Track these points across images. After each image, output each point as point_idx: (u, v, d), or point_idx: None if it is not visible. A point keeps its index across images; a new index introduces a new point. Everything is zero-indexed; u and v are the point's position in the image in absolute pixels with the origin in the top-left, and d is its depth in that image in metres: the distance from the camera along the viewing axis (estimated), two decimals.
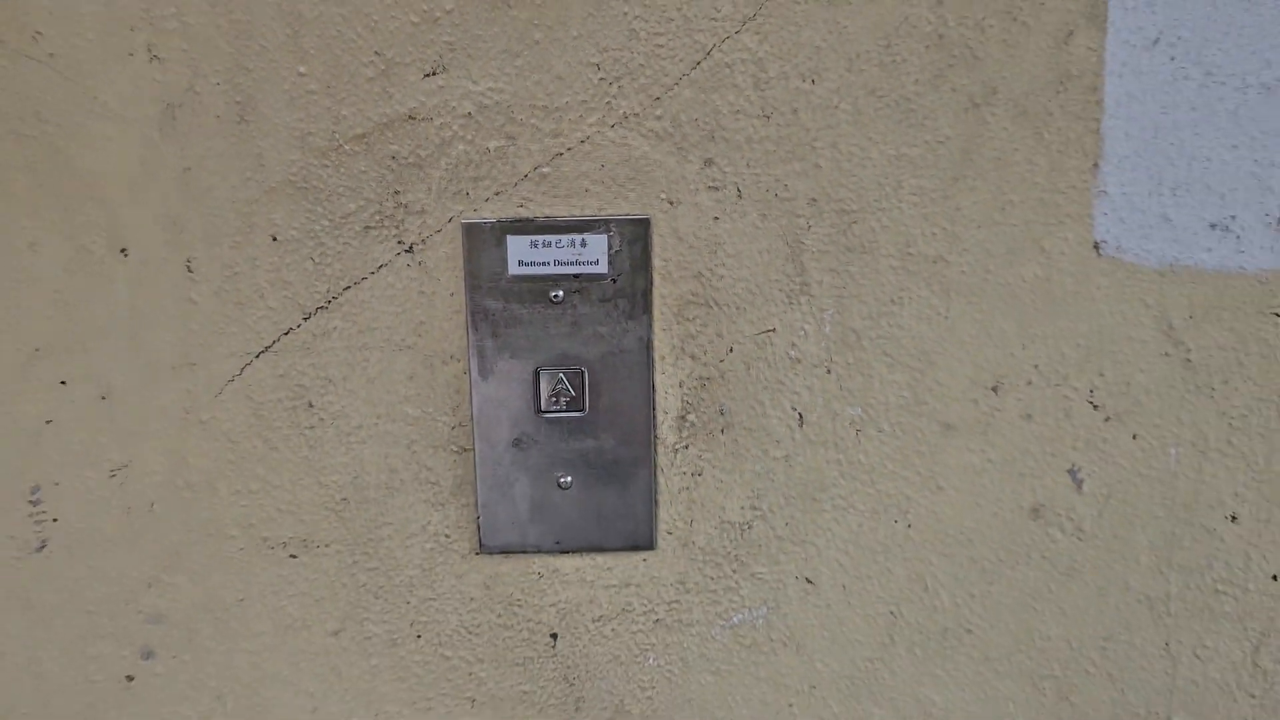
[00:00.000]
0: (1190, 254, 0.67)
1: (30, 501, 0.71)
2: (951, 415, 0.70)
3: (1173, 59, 0.65)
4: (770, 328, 0.69)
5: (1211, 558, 0.71)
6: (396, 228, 0.67)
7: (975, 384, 0.69)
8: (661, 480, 0.71)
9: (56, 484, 0.70)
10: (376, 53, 0.65)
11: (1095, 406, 0.69)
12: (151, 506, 0.71)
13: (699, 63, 0.65)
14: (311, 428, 0.70)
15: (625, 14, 0.64)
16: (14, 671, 0.73)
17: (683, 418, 0.70)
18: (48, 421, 0.70)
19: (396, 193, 0.67)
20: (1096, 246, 0.67)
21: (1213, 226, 0.67)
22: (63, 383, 0.69)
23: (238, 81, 0.65)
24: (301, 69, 0.65)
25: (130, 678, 0.73)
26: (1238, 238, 0.67)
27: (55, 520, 0.71)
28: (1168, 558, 0.71)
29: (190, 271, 0.68)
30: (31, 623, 0.72)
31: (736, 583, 0.72)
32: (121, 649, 0.73)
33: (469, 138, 0.66)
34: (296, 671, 0.73)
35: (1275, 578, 0.71)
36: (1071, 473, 0.70)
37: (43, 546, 0.71)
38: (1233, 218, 0.67)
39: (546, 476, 0.70)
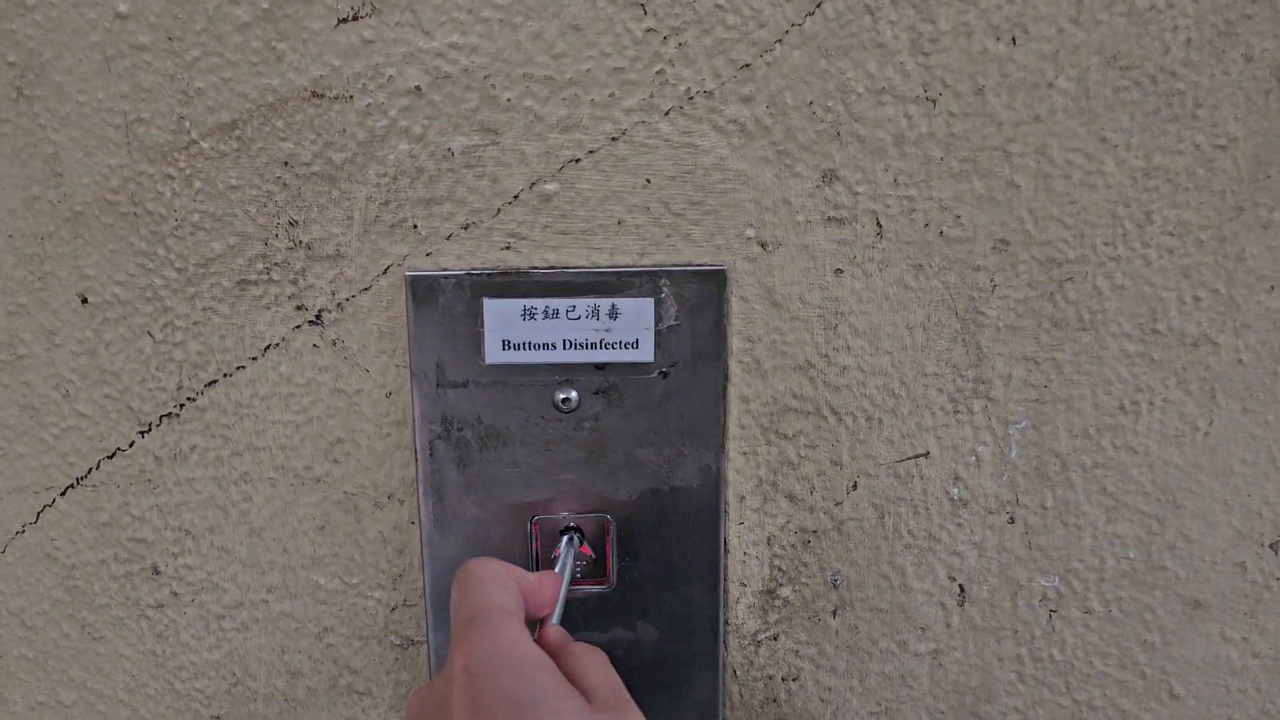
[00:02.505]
0: None
1: None
2: (1203, 587, 0.44)
3: None
4: (921, 452, 0.42)
5: None
6: (294, 283, 0.40)
7: (1244, 539, 0.43)
8: (735, 689, 0.44)
9: None
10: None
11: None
12: None
13: (818, 5, 0.38)
14: (159, 606, 0.43)
15: None
16: None
17: (771, 593, 0.44)
18: None
19: (293, 224, 0.39)
20: None
21: None
22: None
23: (8, 29, 0.38)
24: (121, 6, 0.37)
25: None
26: None
27: None
28: None
29: None
30: None
31: None
32: None
33: (417, 130, 0.39)
34: None
35: None
36: None
37: None
38: None
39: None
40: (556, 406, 0.41)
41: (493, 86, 0.39)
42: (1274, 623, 0.45)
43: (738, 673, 0.45)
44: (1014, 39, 0.39)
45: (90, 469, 0.42)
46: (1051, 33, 0.39)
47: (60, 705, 0.45)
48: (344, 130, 0.39)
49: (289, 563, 0.43)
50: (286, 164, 0.39)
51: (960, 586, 0.44)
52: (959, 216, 0.40)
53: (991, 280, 0.41)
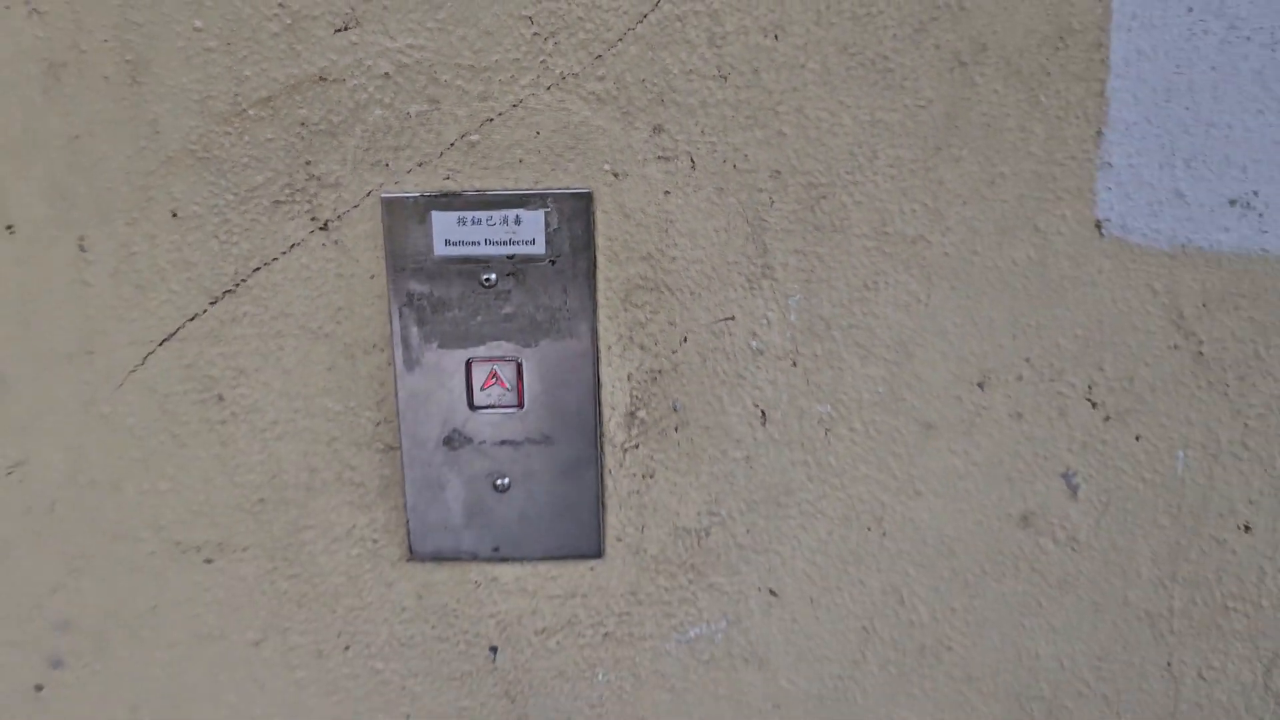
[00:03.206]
0: (1205, 234, 0.61)
1: None
2: (932, 413, 0.64)
3: (1190, 10, 0.58)
4: (729, 315, 0.63)
5: (1221, 571, 0.66)
6: (309, 202, 0.62)
7: (959, 379, 0.64)
8: (609, 483, 0.66)
9: None
10: (280, 4, 0.59)
11: (1094, 404, 0.64)
12: (53, 507, 0.67)
13: (646, 15, 0.59)
14: (223, 422, 0.65)
15: None
16: None
17: (632, 414, 0.65)
18: None
19: (308, 163, 0.61)
20: (1099, 225, 0.61)
21: (1232, 203, 0.61)
22: None
23: (127, 38, 0.60)
24: (197, 23, 0.59)
25: (39, 687, 0.70)
26: (1260, 215, 0.61)
27: None
28: (1172, 571, 0.66)
29: (83, 250, 0.63)
30: None
31: (693, 594, 0.68)
32: (29, 657, 0.70)
33: (387, 101, 0.60)
34: (216, 683, 0.70)
35: None
36: (1066, 477, 0.65)
37: None
38: (1255, 193, 0.60)
39: (482, 478, 0.65)
40: (481, 284, 0.63)
41: (435, 71, 0.60)
42: (985, 440, 0.65)
43: (612, 471, 0.66)
44: (777, 35, 0.60)
45: (178, 328, 0.64)
46: (802, 31, 0.59)
47: (158, 492, 0.67)
48: (339, 101, 0.61)
49: (308, 392, 0.65)
50: (303, 124, 0.61)
51: (762, 411, 0.65)
52: (746, 155, 0.61)
53: (770, 199, 0.62)
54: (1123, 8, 0.59)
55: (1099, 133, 0.60)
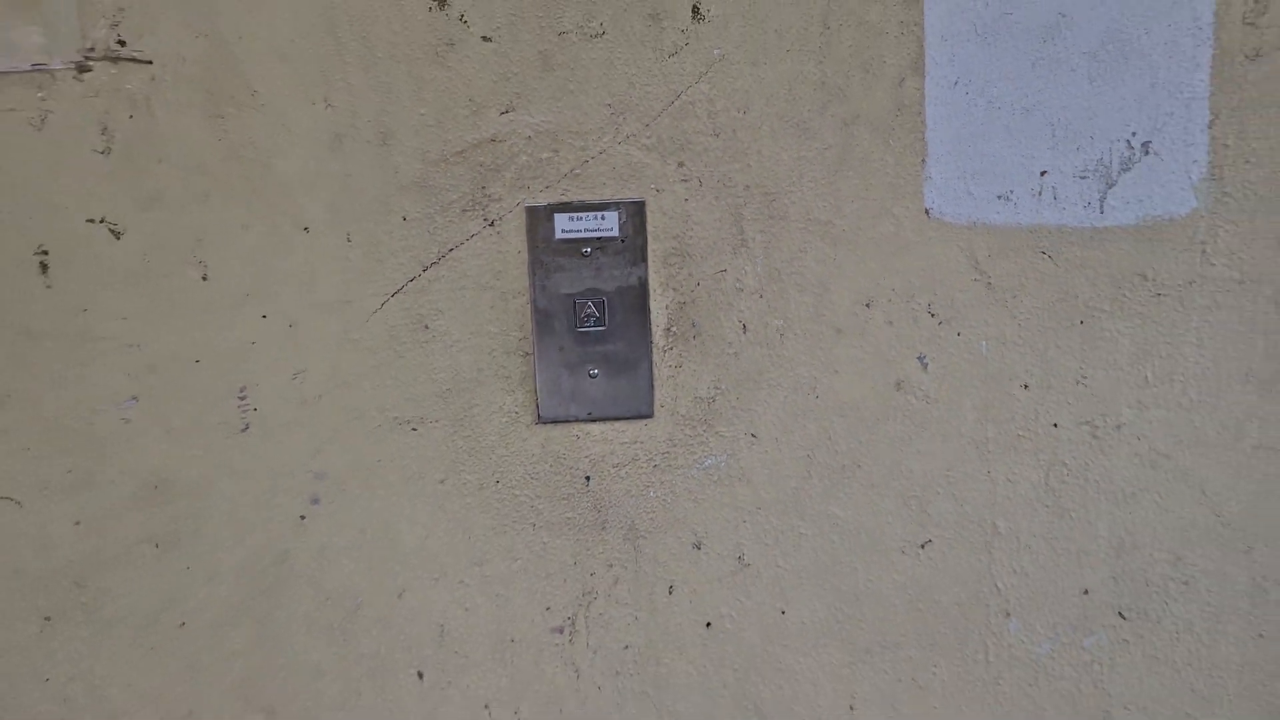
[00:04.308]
0: (986, 215, 1.12)
1: (239, 398, 1.13)
2: (841, 323, 1.14)
3: (968, 94, 1.10)
4: (723, 269, 1.12)
5: (1013, 412, 1.16)
6: (483, 210, 1.10)
7: (855, 303, 1.13)
8: (656, 371, 1.14)
9: (257, 385, 1.12)
10: (469, 99, 1.08)
11: (932, 315, 1.14)
12: (319, 398, 1.13)
13: (673, 102, 1.09)
14: (426, 343, 1.13)
15: (625, 73, 1.08)
16: (221, 515, 1.14)
17: (668, 330, 1.13)
18: (252, 343, 1.12)
19: (483, 188, 1.10)
20: (927, 212, 1.11)
21: (999, 197, 1.11)
22: (264, 316, 1.11)
23: (382, 120, 1.08)
24: (422, 110, 1.08)
25: (303, 517, 1.15)
26: (1014, 205, 1.11)
27: (255, 409, 1.13)
28: (985, 414, 1.15)
29: (349, 241, 1.10)
30: (235, 482, 1.14)
31: (706, 439, 1.15)
32: (296, 498, 1.15)
33: (530, 152, 1.09)
34: (414, 509, 1.16)
35: (1055, 425, 1.16)
36: (920, 359, 1.14)
37: (246, 428, 1.13)
38: (1011, 191, 1.11)
39: (581, 370, 1.13)
40: (581, 255, 1.11)
41: (556, 134, 1.09)
42: (872, 337, 1.15)
43: (656, 364, 1.14)
44: (744, 111, 1.10)
45: (402, 286, 1.12)
46: (759, 107, 1.10)
47: (384, 386, 1.14)
48: (502, 152, 1.09)
49: (478, 322, 1.13)
50: (481, 165, 1.10)
51: (744, 325, 1.14)
52: (730, 178, 1.11)
53: (745, 202, 1.12)
54: (931, 93, 1.10)
55: (923, 160, 1.11)
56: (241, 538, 1.15)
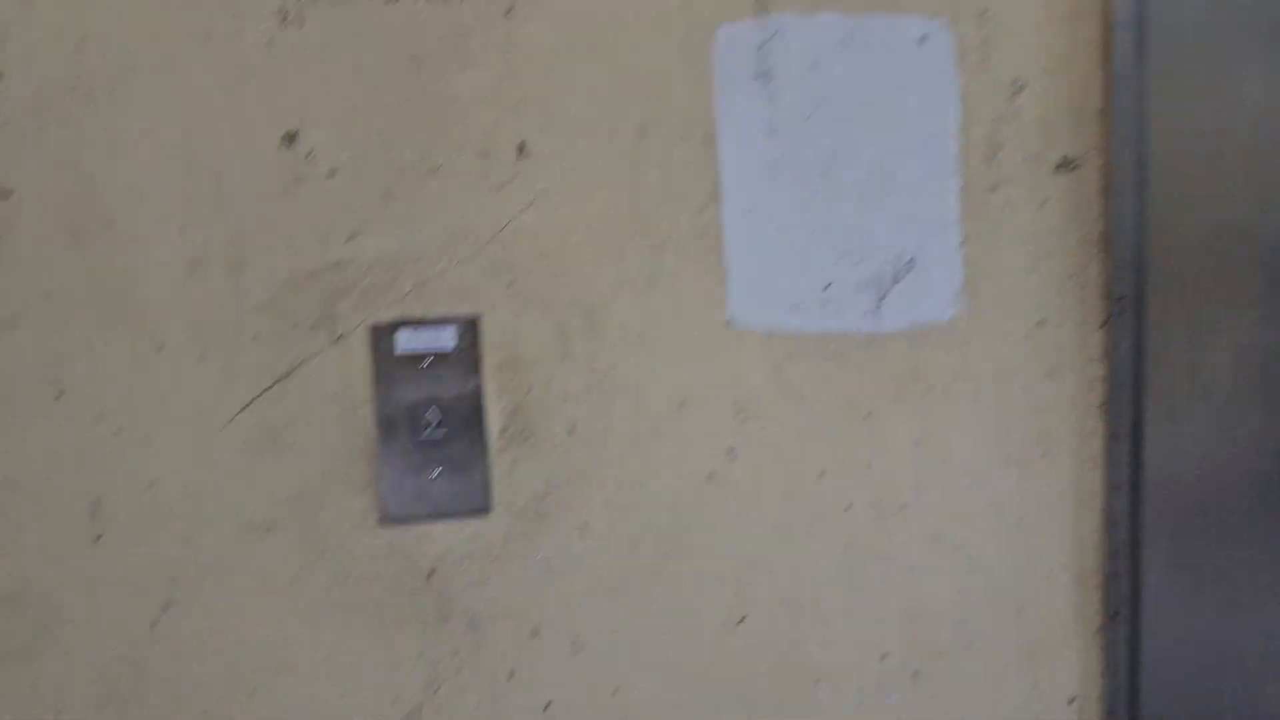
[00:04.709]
0: (780, 324, 1.29)
1: (91, 509, 1.19)
2: (658, 423, 1.28)
3: (760, 220, 1.27)
4: (551, 377, 1.26)
5: (812, 498, 1.31)
6: (330, 328, 1.21)
7: (670, 405, 1.28)
8: (493, 471, 1.26)
9: (111, 496, 1.19)
10: (317, 228, 1.20)
11: (738, 413, 1.29)
12: (172, 508, 1.21)
13: (502, 229, 1.23)
14: (276, 452, 1.22)
15: (459, 204, 1.22)
16: (75, 625, 1.19)
17: (504, 432, 1.26)
18: (106, 456, 1.19)
19: (330, 308, 1.21)
20: (729, 322, 1.28)
21: (791, 308, 1.29)
22: (118, 431, 1.19)
23: (235, 247, 1.19)
24: (273, 238, 1.19)
25: (153, 625, 1.21)
26: (805, 314, 1.29)
27: (109, 520, 1.19)
28: (788, 500, 1.31)
29: (203, 359, 1.19)
30: (88, 591, 1.19)
31: (540, 532, 1.27)
32: (149, 604, 1.21)
33: (373, 274, 1.21)
34: (266, 610, 1.23)
35: (848, 508, 1.32)
36: (729, 453, 1.29)
37: (99, 538, 1.19)
38: (801, 302, 1.29)
39: (423, 472, 1.24)
40: (420, 368, 1.23)
41: (398, 258, 1.22)
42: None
43: (493, 465, 1.26)
44: (566, 238, 1.25)
45: (253, 400, 1.21)
46: (581, 233, 1.25)
47: (259, 517, 1.22)
48: (349, 274, 1.21)
49: (328, 437, 1.23)
50: (328, 287, 1.21)
51: (571, 426, 1.27)
52: (554, 295, 1.25)
53: (567, 320, 1.26)
54: (728, 220, 1.27)
55: (724, 278, 1.27)
56: (95, 646, 1.20)
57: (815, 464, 1.31)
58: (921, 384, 1.31)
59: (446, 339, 1.23)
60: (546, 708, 1.28)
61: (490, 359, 1.24)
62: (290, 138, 1.18)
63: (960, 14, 1.29)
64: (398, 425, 1.23)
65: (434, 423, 1.24)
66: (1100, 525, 1.36)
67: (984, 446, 1.33)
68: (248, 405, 1.20)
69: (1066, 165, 1.32)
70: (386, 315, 1.22)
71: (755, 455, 1.30)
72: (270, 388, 1.21)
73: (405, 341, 1.22)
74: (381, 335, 1.22)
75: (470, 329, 1.23)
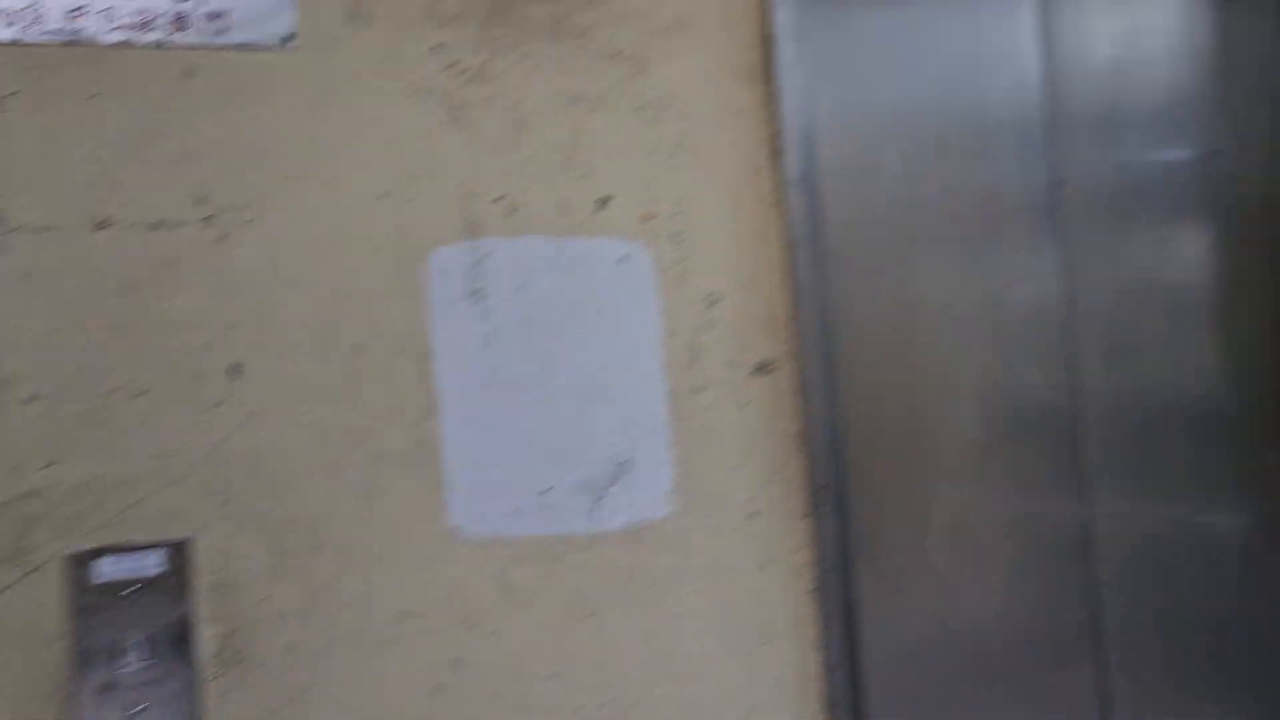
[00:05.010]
0: (502, 529, 1.32)
1: None
2: (382, 635, 1.27)
3: (477, 430, 1.32)
4: (267, 596, 1.24)
5: (542, 700, 1.32)
6: (24, 559, 1.17)
7: (393, 616, 1.28)
8: (206, 700, 1.21)
9: None
10: (11, 456, 1.17)
11: (464, 620, 1.30)
12: None
13: (215, 449, 1.23)
14: None
15: (169, 425, 1.22)
16: None
17: (217, 657, 1.22)
18: None
19: (22, 539, 1.17)
20: (452, 530, 1.30)
21: (512, 512, 1.33)
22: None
23: None
24: None
25: None
26: (525, 518, 1.33)
27: None
28: (519, 705, 1.31)
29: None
30: None
31: None
32: None
33: (72, 502, 1.18)
34: None
35: (579, 708, 1.33)
36: (454, 661, 1.29)
37: None
38: (520, 507, 1.33)
39: (130, 710, 1.18)
40: (121, 596, 1.19)
41: (103, 483, 1.19)
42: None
43: (207, 693, 1.21)
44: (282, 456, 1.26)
45: None
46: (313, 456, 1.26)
47: None
48: (46, 501, 1.17)
49: (14, 678, 1.16)
50: (20, 517, 1.17)
51: (289, 646, 1.24)
52: (268, 514, 1.25)
53: (266, 532, 1.25)
54: (446, 432, 1.31)
55: (443, 487, 1.31)
56: None
57: (545, 667, 1.32)
58: (642, 581, 1.36)
59: (152, 564, 1.20)
60: None
61: (202, 581, 1.22)
62: None
63: (658, 236, 1.41)
64: (96, 660, 1.17)
65: (137, 655, 1.19)
66: (824, 707, 1.42)
67: (708, 639, 1.38)
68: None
69: (763, 369, 1.44)
70: (87, 543, 1.19)
71: (483, 663, 1.30)
72: None
73: (108, 569, 1.18)
74: (79, 564, 1.18)
75: (179, 553, 1.21)
